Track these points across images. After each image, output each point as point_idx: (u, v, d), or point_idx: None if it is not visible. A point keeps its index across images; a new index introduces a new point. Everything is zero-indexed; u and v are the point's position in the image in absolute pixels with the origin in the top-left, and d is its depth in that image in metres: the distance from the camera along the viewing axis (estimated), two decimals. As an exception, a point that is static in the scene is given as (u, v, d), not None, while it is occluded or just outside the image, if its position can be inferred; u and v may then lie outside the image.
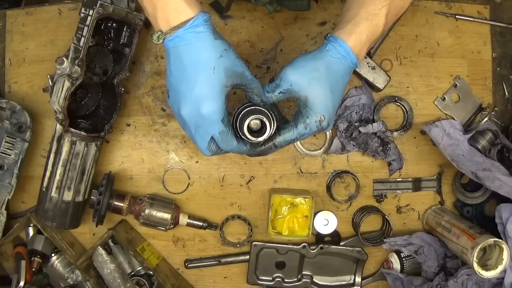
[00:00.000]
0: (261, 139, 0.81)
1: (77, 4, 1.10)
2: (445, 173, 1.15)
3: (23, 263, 1.06)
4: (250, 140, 0.81)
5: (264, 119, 0.80)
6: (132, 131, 1.13)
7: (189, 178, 1.13)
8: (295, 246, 1.11)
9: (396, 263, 1.13)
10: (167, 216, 1.06)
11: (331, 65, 0.80)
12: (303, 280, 1.14)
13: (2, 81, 1.11)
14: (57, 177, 0.99)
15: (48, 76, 1.09)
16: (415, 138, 1.15)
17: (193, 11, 0.74)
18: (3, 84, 1.11)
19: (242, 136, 0.81)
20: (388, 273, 1.13)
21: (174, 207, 1.09)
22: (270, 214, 1.09)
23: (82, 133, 0.99)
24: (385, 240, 1.12)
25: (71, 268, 1.12)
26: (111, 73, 1.04)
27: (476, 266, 0.95)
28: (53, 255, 1.11)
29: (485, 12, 1.16)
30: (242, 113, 0.82)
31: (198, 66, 0.74)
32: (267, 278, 1.13)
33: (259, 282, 1.13)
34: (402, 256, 1.13)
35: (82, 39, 0.96)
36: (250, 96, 0.81)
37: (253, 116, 0.80)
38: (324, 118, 0.81)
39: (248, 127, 0.80)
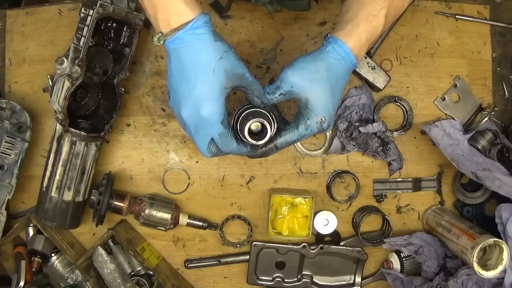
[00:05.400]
0: (261, 142, 0.81)
1: (77, 4, 1.10)
2: (445, 173, 1.15)
3: (23, 263, 1.06)
4: (251, 143, 0.81)
5: (265, 122, 0.80)
6: (132, 131, 1.13)
7: (189, 178, 1.13)
8: (295, 246, 1.11)
9: (396, 263, 1.13)
10: (167, 216, 1.07)
11: (331, 66, 0.80)
12: (303, 280, 1.14)
13: (2, 81, 1.11)
14: (57, 177, 0.99)
15: (48, 76, 1.09)
16: (415, 138, 1.15)
17: (193, 13, 0.74)
18: (3, 84, 1.11)
19: (243, 138, 0.81)
20: (388, 273, 1.13)
21: (174, 207, 1.09)
22: (270, 214, 1.09)
23: (82, 133, 0.99)
24: (385, 240, 1.12)
25: (71, 268, 1.12)
26: (111, 73, 1.04)
27: (476, 266, 0.95)
28: (53, 255, 1.11)
29: (485, 12, 1.16)
30: (242, 115, 0.81)
31: (198, 67, 0.75)
32: (267, 278, 1.13)
33: (259, 282, 1.13)
34: (402, 256, 1.14)
35: (82, 39, 0.96)
36: (250, 98, 0.81)
37: (254, 120, 0.80)
38: (325, 119, 0.81)
39: (249, 129, 0.80)
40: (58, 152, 0.99)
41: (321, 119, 0.81)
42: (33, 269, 1.07)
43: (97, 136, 1.01)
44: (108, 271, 1.06)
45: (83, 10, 0.95)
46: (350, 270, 1.14)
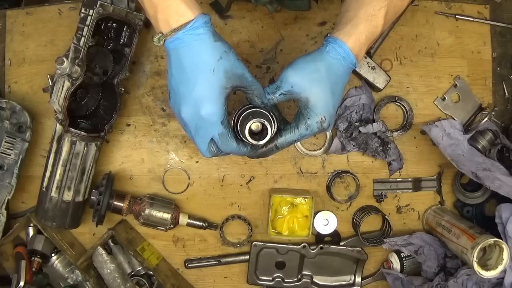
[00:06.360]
0: (262, 142, 0.81)
1: (77, 4, 1.10)
2: (445, 173, 1.15)
3: (23, 263, 1.06)
4: (252, 143, 0.81)
5: (265, 122, 0.80)
6: (132, 131, 1.13)
7: (189, 178, 1.13)
8: (295, 246, 1.11)
9: (396, 263, 1.13)
10: (167, 216, 1.07)
11: (331, 66, 0.80)
12: (303, 280, 1.14)
13: (2, 81, 1.11)
14: (57, 177, 0.99)
15: (48, 76, 1.09)
16: (415, 138, 1.15)
17: (193, 13, 0.74)
18: (3, 84, 1.11)
19: (243, 139, 0.81)
20: (388, 273, 1.13)
21: (174, 207, 1.09)
22: (270, 214, 1.09)
23: (82, 133, 0.99)
24: (385, 240, 1.12)
25: (71, 268, 1.12)
26: (111, 73, 1.04)
27: (476, 266, 0.95)
28: (53, 255, 1.11)
29: (485, 12, 1.16)
30: (243, 115, 0.81)
31: (198, 68, 0.75)
32: (267, 278, 1.13)
33: (259, 282, 1.13)
34: (402, 256, 1.14)
35: (82, 39, 0.96)
36: (250, 98, 0.81)
37: (254, 120, 0.80)
38: (325, 119, 0.81)
39: (249, 129, 0.80)
40: (58, 152, 0.99)
41: (322, 118, 0.81)
42: (33, 269, 1.07)
43: (97, 136, 1.01)
44: (108, 271, 1.06)
45: (83, 10, 0.95)
46: (350, 270, 1.14)
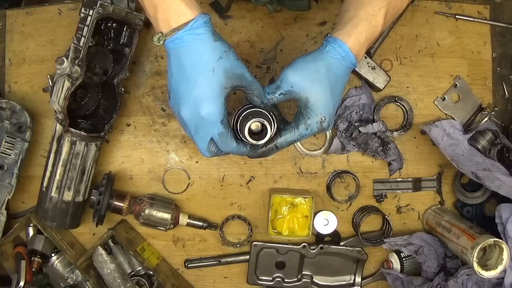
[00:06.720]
0: (262, 142, 0.81)
1: (77, 4, 1.10)
2: (445, 173, 1.15)
3: (23, 263, 1.06)
4: (251, 142, 0.81)
5: (265, 122, 0.80)
6: (132, 131, 1.13)
7: (189, 178, 1.13)
8: (295, 246, 1.11)
9: (396, 263, 1.13)
10: (167, 216, 1.07)
11: (331, 66, 0.80)
12: (303, 280, 1.14)
13: (2, 81, 1.11)
14: (57, 177, 0.99)
15: (48, 76, 1.09)
16: (415, 138, 1.15)
17: (193, 13, 0.74)
18: (3, 84, 1.11)
19: (243, 138, 0.81)
20: (388, 273, 1.13)
21: (174, 207, 1.09)
22: (270, 214, 1.09)
23: (82, 133, 0.99)
24: (385, 240, 1.12)
25: (71, 268, 1.12)
26: (111, 73, 1.04)
27: (476, 266, 0.95)
28: (53, 255, 1.11)
29: (485, 12, 1.16)
30: (242, 115, 0.81)
31: (198, 67, 0.75)
32: (267, 278, 1.13)
33: (259, 282, 1.13)
34: (402, 256, 1.13)
35: (82, 39, 0.96)
36: (250, 98, 0.81)
37: (254, 119, 0.80)
38: (325, 119, 0.81)
39: (249, 129, 0.80)
40: (58, 152, 0.99)
41: (321, 118, 0.81)
42: (33, 269, 1.07)
43: (97, 136, 1.01)
44: (108, 271, 1.06)
45: (83, 10, 0.95)
46: (350, 270, 1.14)
